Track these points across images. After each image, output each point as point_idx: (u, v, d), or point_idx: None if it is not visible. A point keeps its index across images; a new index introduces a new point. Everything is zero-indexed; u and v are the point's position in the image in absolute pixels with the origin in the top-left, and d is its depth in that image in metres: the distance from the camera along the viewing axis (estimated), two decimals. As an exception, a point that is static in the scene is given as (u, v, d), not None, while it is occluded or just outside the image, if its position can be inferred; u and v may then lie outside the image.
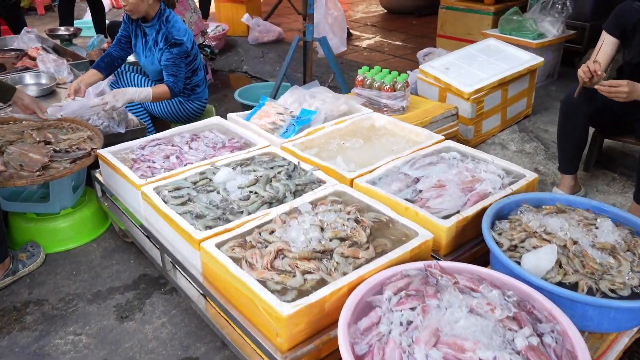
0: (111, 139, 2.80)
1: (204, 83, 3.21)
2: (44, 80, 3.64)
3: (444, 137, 2.40)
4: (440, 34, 4.84)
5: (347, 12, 6.21)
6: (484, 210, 1.84)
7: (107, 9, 7.49)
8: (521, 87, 3.31)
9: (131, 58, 4.14)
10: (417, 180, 2.08)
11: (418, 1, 6.57)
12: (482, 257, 1.89)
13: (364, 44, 5.51)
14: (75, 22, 6.01)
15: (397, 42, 5.37)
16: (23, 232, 2.40)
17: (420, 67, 3.31)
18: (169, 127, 3.52)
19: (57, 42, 4.91)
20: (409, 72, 3.75)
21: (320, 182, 2.05)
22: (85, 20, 6.65)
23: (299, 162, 2.16)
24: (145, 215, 2.03)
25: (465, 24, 4.60)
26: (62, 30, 4.97)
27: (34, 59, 4.09)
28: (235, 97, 3.79)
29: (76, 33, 4.95)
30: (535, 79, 3.37)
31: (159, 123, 3.38)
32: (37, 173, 2.22)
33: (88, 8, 5.59)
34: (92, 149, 2.47)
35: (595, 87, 2.25)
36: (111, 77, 3.14)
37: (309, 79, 3.57)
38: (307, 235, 1.64)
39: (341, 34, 3.47)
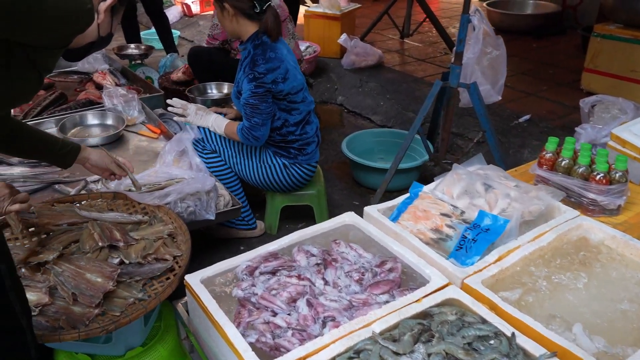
0: (196, 225, 2.04)
1: (316, 140, 2.39)
2: (109, 121, 2.94)
3: None
4: (589, 69, 3.85)
5: (447, 29, 5.28)
6: None
7: (178, 17, 6.87)
8: None
9: (213, 92, 3.41)
10: None
11: (537, 20, 5.55)
12: None
13: (480, 72, 4.57)
14: (142, 33, 5.37)
15: (524, 74, 4.40)
16: (72, 384, 1.65)
17: (612, 131, 2.36)
18: (260, 193, 2.75)
19: (127, 62, 4.26)
20: (578, 129, 2.81)
21: (568, 389, 1.18)
22: (153, 30, 6.01)
23: (514, 335, 1.30)
24: (267, 423, 1.22)
25: (630, 58, 3.60)
26: (132, 49, 4.30)
27: (99, 86, 3.42)
28: (343, 150, 2.97)
29: (147, 53, 4.27)
30: None
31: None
32: (97, 311, 1.46)
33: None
34: (174, 258, 1.69)
35: None
36: (197, 132, 2.37)
37: (446, 136, 2.70)
38: None
39: (496, 80, 2.59)
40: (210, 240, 2.44)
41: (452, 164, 3.27)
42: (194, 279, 1.50)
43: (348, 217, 1.82)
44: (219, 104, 3.16)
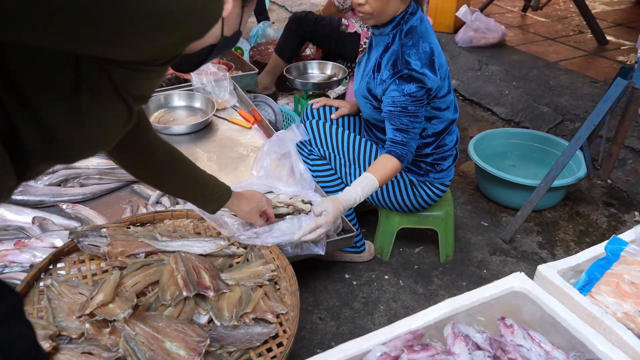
0: (300, 258, 1.61)
1: (453, 154, 1.87)
2: (197, 104, 2.55)
3: None
4: None
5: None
6: None
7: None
8: None
9: (314, 71, 2.94)
10: None
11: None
12: None
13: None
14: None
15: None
16: None
17: None
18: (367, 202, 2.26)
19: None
20: None
21: None
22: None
23: None
24: None
25: None
26: (222, 15, 3.87)
27: (186, 59, 3.01)
28: (471, 156, 2.40)
29: (238, 19, 3.83)
30: None
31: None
32: (178, 402, 1.06)
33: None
34: (277, 317, 1.27)
35: None
36: (303, 132, 1.91)
37: (616, 150, 2.07)
38: None
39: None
40: (308, 262, 2.00)
41: (611, 183, 2.62)
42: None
43: (517, 282, 1.30)
44: (322, 87, 2.69)
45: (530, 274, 2.02)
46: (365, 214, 2.24)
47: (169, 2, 0.56)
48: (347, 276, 1.98)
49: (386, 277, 1.98)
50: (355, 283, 1.95)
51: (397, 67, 1.59)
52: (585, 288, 1.28)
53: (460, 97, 3.49)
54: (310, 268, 1.99)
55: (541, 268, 1.33)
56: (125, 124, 0.73)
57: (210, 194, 1.37)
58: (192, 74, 2.58)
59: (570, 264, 1.36)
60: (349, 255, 2.02)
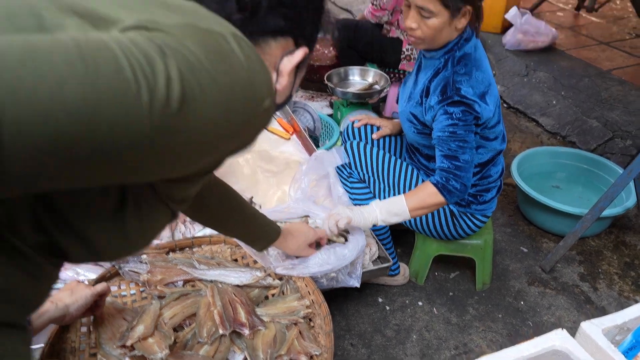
0: (332, 287, 1.60)
1: (497, 186, 1.81)
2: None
3: None
4: None
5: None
6: None
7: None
8: None
9: (355, 78, 2.89)
10: None
11: None
12: None
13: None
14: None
15: None
16: None
17: None
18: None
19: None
20: None
21: None
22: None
23: None
24: None
25: None
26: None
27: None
28: (513, 176, 2.34)
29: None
30: None
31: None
32: None
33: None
34: (310, 359, 1.28)
35: None
36: (343, 155, 1.88)
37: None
38: None
39: None
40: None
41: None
42: None
43: (558, 339, 1.26)
44: (363, 97, 2.65)
45: (570, 309, 1.98)
46: (401, 233, 2.22)
47: (232, 128, 0.54)
48: (380, 300, 1.97)
49: (420, 303, 1.96)
50: (388, 308, 1.94)
51: (447, 94, 1.54)
52: (630, 352, 1.23)
53: (505, 105, 3.38)
54: (343, 288, 1.98)
55: (585, 325, 1.28)
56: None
57: (261, 235, 1.39)
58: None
59: (617, 322, 1.30)
60: (383, 278, 2.01)
